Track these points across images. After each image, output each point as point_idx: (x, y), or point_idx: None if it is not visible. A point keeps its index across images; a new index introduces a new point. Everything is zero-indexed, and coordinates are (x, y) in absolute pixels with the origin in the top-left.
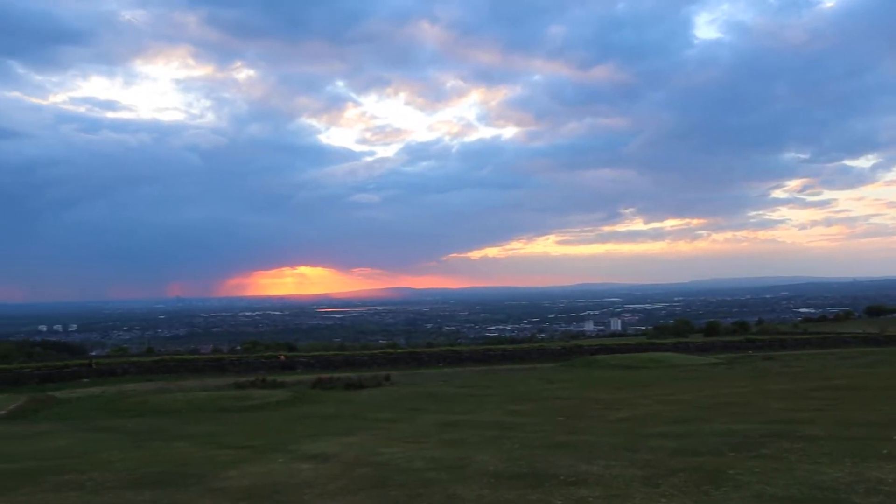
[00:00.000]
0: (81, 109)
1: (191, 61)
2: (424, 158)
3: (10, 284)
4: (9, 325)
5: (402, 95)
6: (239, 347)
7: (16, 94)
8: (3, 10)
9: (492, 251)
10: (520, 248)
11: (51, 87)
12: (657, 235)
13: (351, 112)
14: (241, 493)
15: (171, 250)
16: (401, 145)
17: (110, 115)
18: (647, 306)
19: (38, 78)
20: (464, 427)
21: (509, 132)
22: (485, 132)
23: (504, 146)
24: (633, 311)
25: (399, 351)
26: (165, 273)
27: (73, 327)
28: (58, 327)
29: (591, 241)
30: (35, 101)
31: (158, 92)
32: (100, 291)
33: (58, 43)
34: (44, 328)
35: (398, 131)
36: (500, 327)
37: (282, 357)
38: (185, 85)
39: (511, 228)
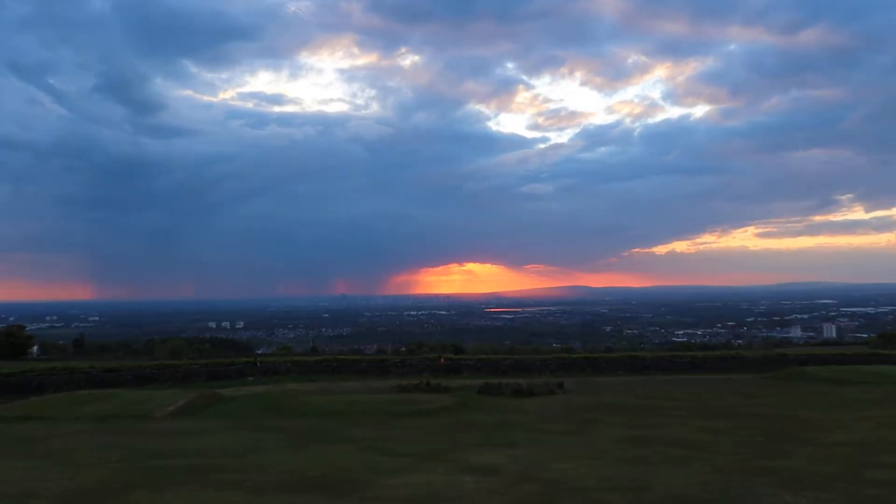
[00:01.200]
0: (249, 105)
1: (355, 50)
2: (603, 143)
3: (183, 281)
4: (180, 321)
5: (578, 75)
6: (403, 349)
7: (188, 92)
8: (177, 11)
9: (680, 245)
10: (712, 241)
11: (220, 84)
12: (882, 226)
13: (522, 96)
14: (399, 503)
15: (336, 246)
16: (576, 130)
17: (277, 109)
18: (870, 310)
19: (208, 76)
20: (646, 443)
21: (700, 111)
22: (671, 112)
23: (694, 127)
24: (852, 316)
25: (574, 356)
26: (330, 270)
27: (240, 325)
28: (225, 324)
29: (798, 234)
30: (206, 98)
31: (323, 83)
32: (266, 288)
33: (227, 40)
34: (213, 325)
35: (573, 115)
36: (690, 332)
37: (441, 360)
38: (349, 75)
39: (702, 220)
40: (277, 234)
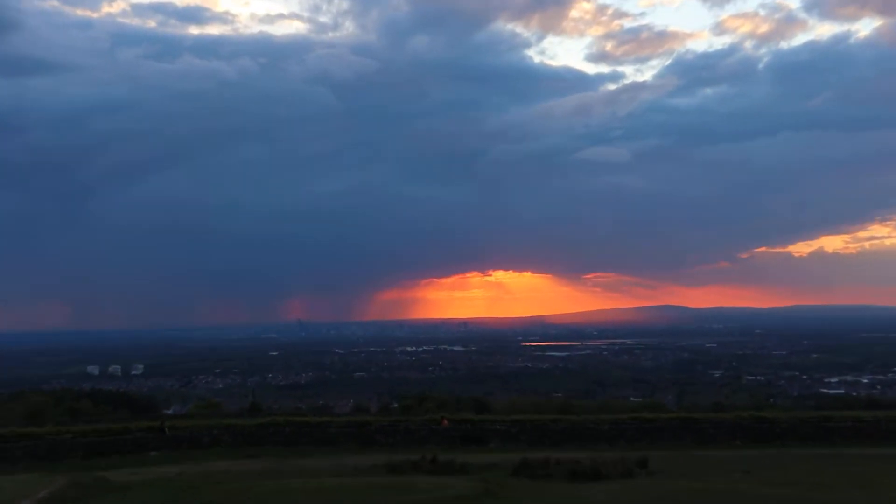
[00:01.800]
0: (151, 24)
1: None
2: (709, 82)
3: (49, 302)
4: (44, 365)
5: None
6: (395, 405)
7: (52, 2)
8: None
9: (832, 242)
10: (885, 236)
11: None
12: None
13: (580, 8)
14: None
15: (289, 246)
16: (667, 61)
17: (194, 30)
18: None
19: None
20: None
21: (864, 27)
22: (819, 30)
23: (856, 53)
24: None
25: (664, 416)
26: (281, 284)
27: (139, 369)
28: (115, 369)
29: None
30: (81, 12)
31: None
32: (179, 314)
33: None
34: (94, 370)
35: (662, 37)
36: (850, 378)
37: (444, 422)
38: None
39: (868, 202)
40: (196, 229)
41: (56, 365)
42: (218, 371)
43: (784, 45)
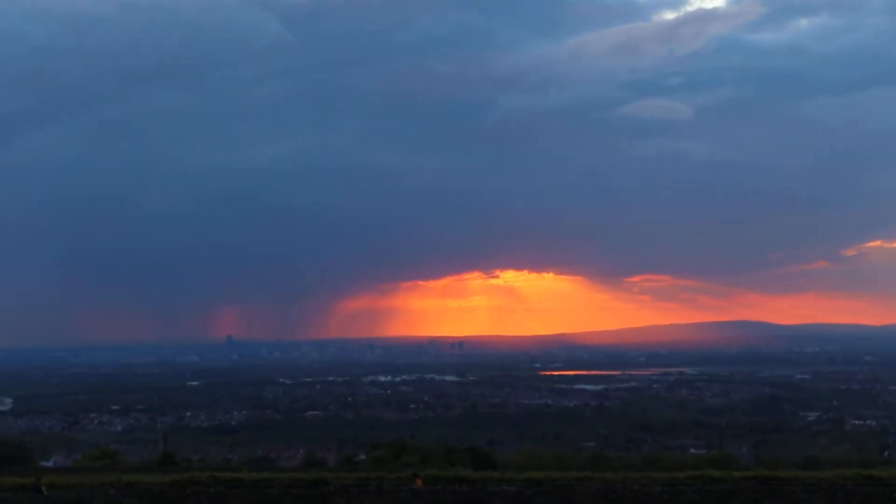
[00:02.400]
0: None
1: None
2: (803, 11)
3: None
4: None
5: None
6: (363, 457)
7: None
8: None
9: None
10: None
11: None
12: None
13: None
14: None
15: (217, 235)
16: None
17: None
18: None
19: None
20: None
21: None
22: None
23: None
24: None
25: (737, 475)
26: (205, 288)
27: (5, 404)
28: (2, 402)
29: None
30: None
31: None
32: (61, 328)
33: None
34: None
35: None
36: None
37: (419, 482)
38: None
39: None
40: (86, 208)
41: None
42: (116, 408)
43: None
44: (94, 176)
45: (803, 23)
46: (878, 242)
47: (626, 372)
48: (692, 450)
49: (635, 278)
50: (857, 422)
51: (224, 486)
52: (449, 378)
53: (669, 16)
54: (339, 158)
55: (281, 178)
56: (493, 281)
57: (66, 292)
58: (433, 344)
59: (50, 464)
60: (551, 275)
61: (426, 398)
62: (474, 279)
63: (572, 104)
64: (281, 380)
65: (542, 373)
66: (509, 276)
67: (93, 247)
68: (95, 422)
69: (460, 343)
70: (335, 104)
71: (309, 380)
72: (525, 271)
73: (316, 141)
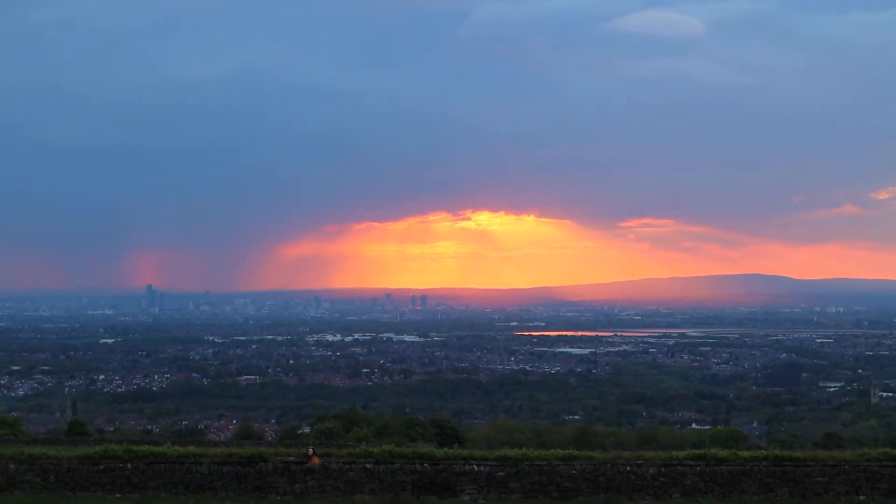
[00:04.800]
0: None
1: None
2: None
3: None
4: None
5: None
6: (307, 430)
7: None
8: None
9: None
10: None
11: None
12: None
13: None
14: None
15: (135, 168)
16: None
17: None
18: None
19: None
20: None
21: None
22: None
23: None
24: None
25: (745, 455)
26: (121, 229)
27: None
28: None
29: None
30: None
31: None
32: None
33: None
34: None
35: None
36: None
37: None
38: None
39: None
40: None
41: None
42: (16, 369)
43: None
44: None
45: None
46: None
47: (619, 333)
48: (694, 425)
49: (632, 222)
50: (885, 394)
51: (143, 461)
52: (409, 338)
53: None
54: (271, 77)
55: (207, 102)
56: (463, 223)
57: None
58: (390, 298)
59: None
60: (532, 217)
61: (382, 362)
62: (440, 221)
63: (562, 14)
64: (210, 338)
65: (520, 333)
66: (482, 219)
67: None
68: None
69: (423, 297)
70: (268, 15)
71: (244, 338)
72: (501, 213)
73: (246, 59)
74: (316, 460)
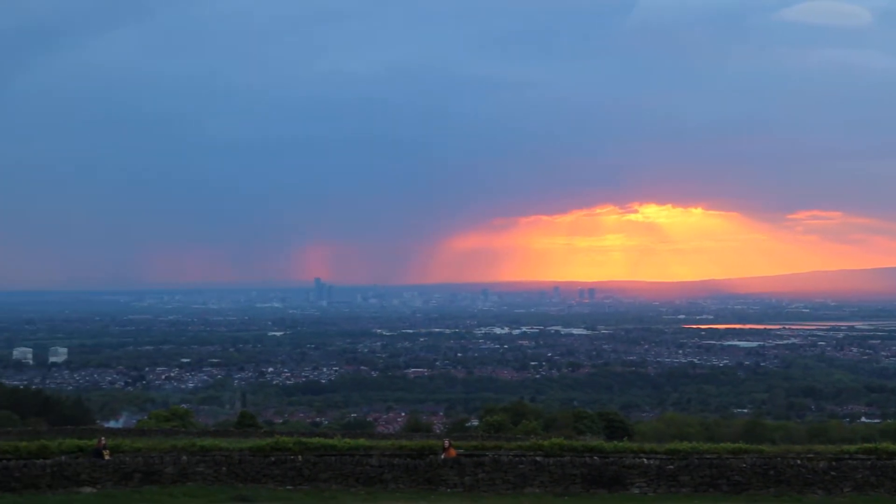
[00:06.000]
0: None
1: None
2: None
3: None
4: None
5: None
6: (475, 423)
7: None
8: None
9: None
10: None
11: None
12: None
13: None
14: None
15: (302, 163)
16: None
17: None
18: None
19: None
20: None
21: None
22: None
23: None
24: None
25: None
26: (289, 223)
27: (60, 354)
28: (22, 353)
29: None
30: None
31: None
32: (123, 268)
33: None
34: None
35: None
36: None
37: (449, 449)
38: None
39: None
40: (142, 128)
41: None
42: (187, 361)
43: None
44: (145, 87)
45: None
46: None
47: (787, 326)
48: (864, 419)
49: (799, 215)
50: None
51: (314, 454)
52: (577, 331)
53: None
54: (435, 71)
55: (370, 95)
56: (631, 216)
57: (129, 228)
58: (558, 291)
59: (113, 424)
60: (700, 210)
61: (549, 355)
62: (608, 214)
63: (726, 4)
64: (379, 331)
65: (687, 326)
66: (650, 212)
67: (155, 173)
68: (163, 377)
69: (590, 290)
70: (426, 9)
71: (411, 331)
72: (669, 205)
73: (410, 52)
74: (452, 453)
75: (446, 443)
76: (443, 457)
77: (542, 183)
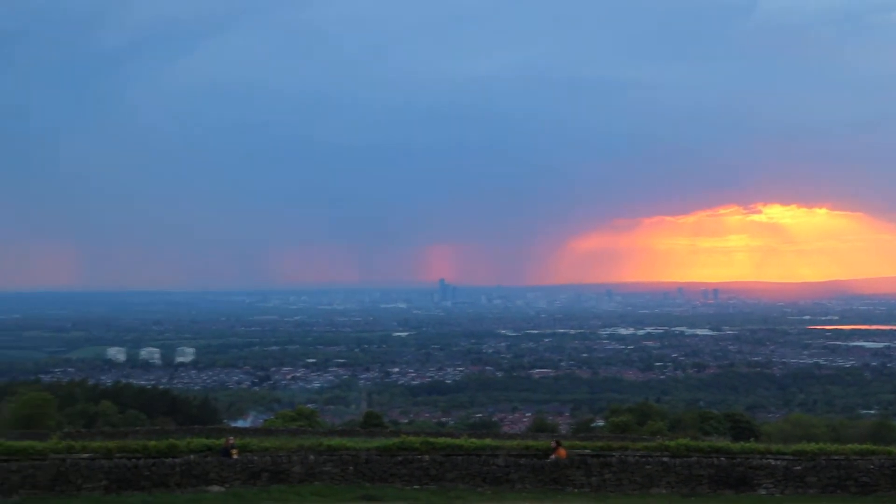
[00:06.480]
0: None
1: None
2: None
3: (39, 247)
4: (39, 340)
5: None
6: (600, 423)
7: None
8: None
9: None
10: None
11: None
12: None
13: None
14: None
15: (426, 163)
16: None
17: None
18: None
19: None
20: None
21: None
22: None
23: None
24: None
25: None
26: (414, 223)
27: (187, 354)
28: (150, 353)
29: None
30: None
31: None
32: (248, 268)
33: None
34: (118, 354)
35: None
36: None
37: (558, 449)
38: None
39: None
40: (267, 128)
41: (58, 343)
42: (312, 361)
43: None
44: (265, 91)
45: None
46: None
47: None
48: None
49: None
50: None
51: (441, 453)
52: (701, 332)
53: None
54: (561, 70)
55: (495, 95)
56: (755, 217)
57: (255, 230)
58: (682, 291)
59: (240, 423)
60: (825, 210)
61: (674, 355)
62: (731, 214)
63: (848, 3)
64: (503, 331)
65: (812, 327)
66: (774, 212)
67: (279, 173)
68: (289, 377)
69: (714, 291)
70: (555, 13)
71: (536, 332)
72: (793, 206)
73: (536, 52)
74: (562, 453)
75: (553, 443)
76: (553, 457)
77: (665, 184)
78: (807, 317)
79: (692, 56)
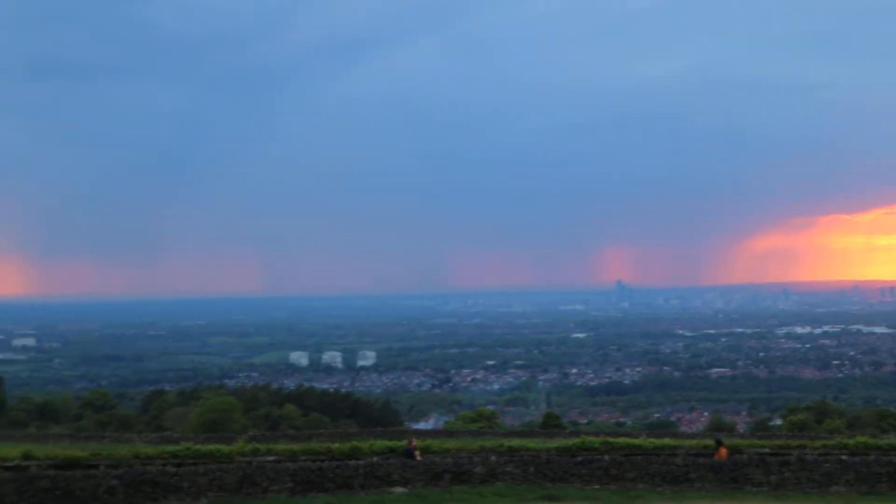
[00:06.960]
0: None
1: None
2: None
3: (221, 255)
4: (223, 345)
5: None
6: (778, 422)
7: None
8: None
9: None
10: None
11: None
12: None
13: None
14: None
15: (599, 167)
16: None
17: None
18: None
19: None
20: None
21: None
22: None
23: None
24: None
25: None
26: (589, 225)
27: (369, 358)
28: (332, 357)
29: None
30: None
31: None
32: (431, 274)
33: None
34: (301, 358)
35: None
36: None
37: (721, 449)
38: None
39: None
40: (444, 134)
41: (242, 349)
42: (491, 363)
43: None
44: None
45: None
46: None
47: None
48: None
49: None
50: None
51: (620, 453)
52: (878, 330)
53: None
54: (735, 69)
55: (670, 96)
56: None
57: (434, 234)
58: (858, 290)
59: (422, 425)
60: None
61: (852, 353)
62: None
63: None
64: (680, 332)
65: None
66: None
67: (454, 181)
68: (469, 379)
69: (892, 289)
70: (732, 12)
71: (713, 332)
72: None
73: (710, 53)
74: (723, 453)
75: (715, 442)
76: (714, 457)
77: (841, 182)
78: None
79: (866, 55)
